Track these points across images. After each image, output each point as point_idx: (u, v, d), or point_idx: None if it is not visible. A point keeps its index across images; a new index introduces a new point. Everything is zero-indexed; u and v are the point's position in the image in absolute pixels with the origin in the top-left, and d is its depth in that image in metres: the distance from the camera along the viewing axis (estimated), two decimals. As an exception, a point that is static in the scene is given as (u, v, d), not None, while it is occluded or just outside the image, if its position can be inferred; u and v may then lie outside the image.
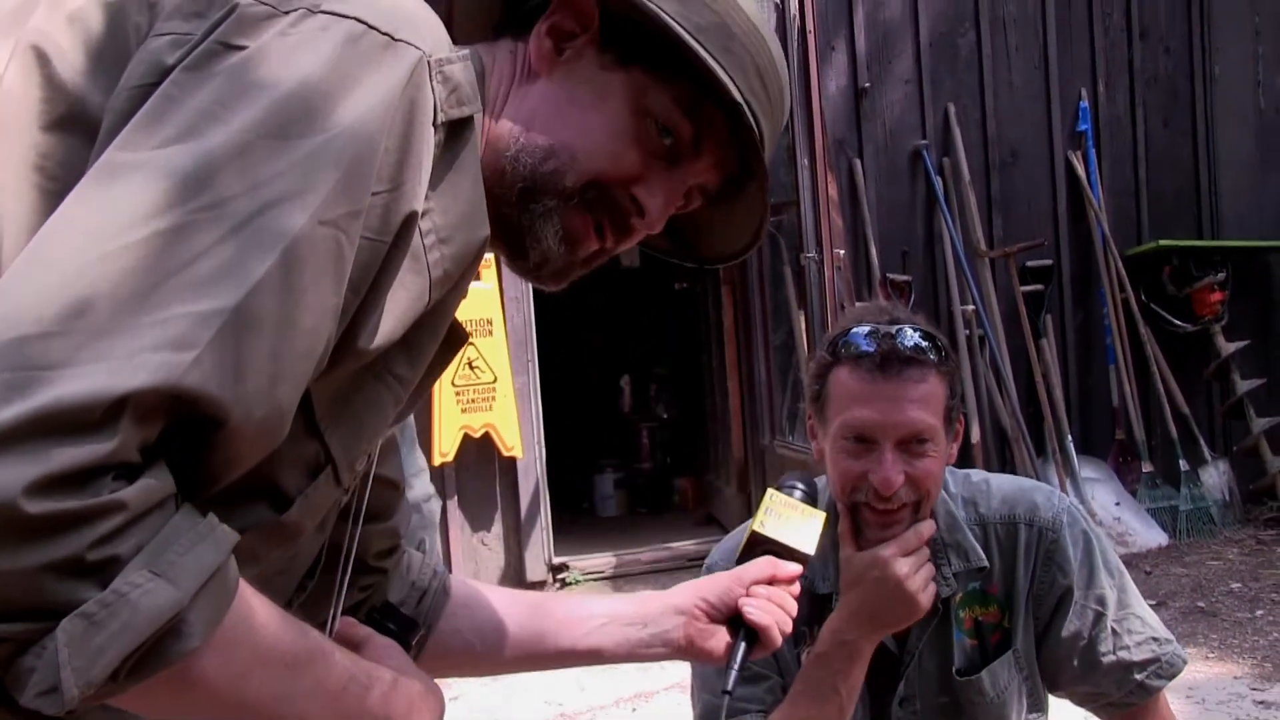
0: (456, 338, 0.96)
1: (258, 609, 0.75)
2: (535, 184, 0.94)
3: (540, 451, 5.33)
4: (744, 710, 1.62)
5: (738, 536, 1.73)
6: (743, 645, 1.21)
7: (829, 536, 1.65)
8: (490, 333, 4.97)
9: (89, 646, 0.63)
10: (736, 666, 1.20)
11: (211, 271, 0.68)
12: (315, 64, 0.75)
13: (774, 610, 1.22)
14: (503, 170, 0.94)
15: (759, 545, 1.28)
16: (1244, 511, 5.87)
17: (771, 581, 1.24)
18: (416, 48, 0.79)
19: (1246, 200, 6.24)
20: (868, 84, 5.71)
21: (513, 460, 5.20)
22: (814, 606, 1.65)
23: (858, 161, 5.65)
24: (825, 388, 1.59)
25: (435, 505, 2.20)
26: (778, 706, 1.60)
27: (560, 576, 5.41)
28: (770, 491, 1.31)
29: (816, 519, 1.30)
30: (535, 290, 5.23)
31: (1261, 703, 3.63)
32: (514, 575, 5.26)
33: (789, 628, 1.23)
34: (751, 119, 0.95)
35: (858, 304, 5.22)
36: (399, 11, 0.81)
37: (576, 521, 7.02)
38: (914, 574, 1.51)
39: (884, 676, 1.65)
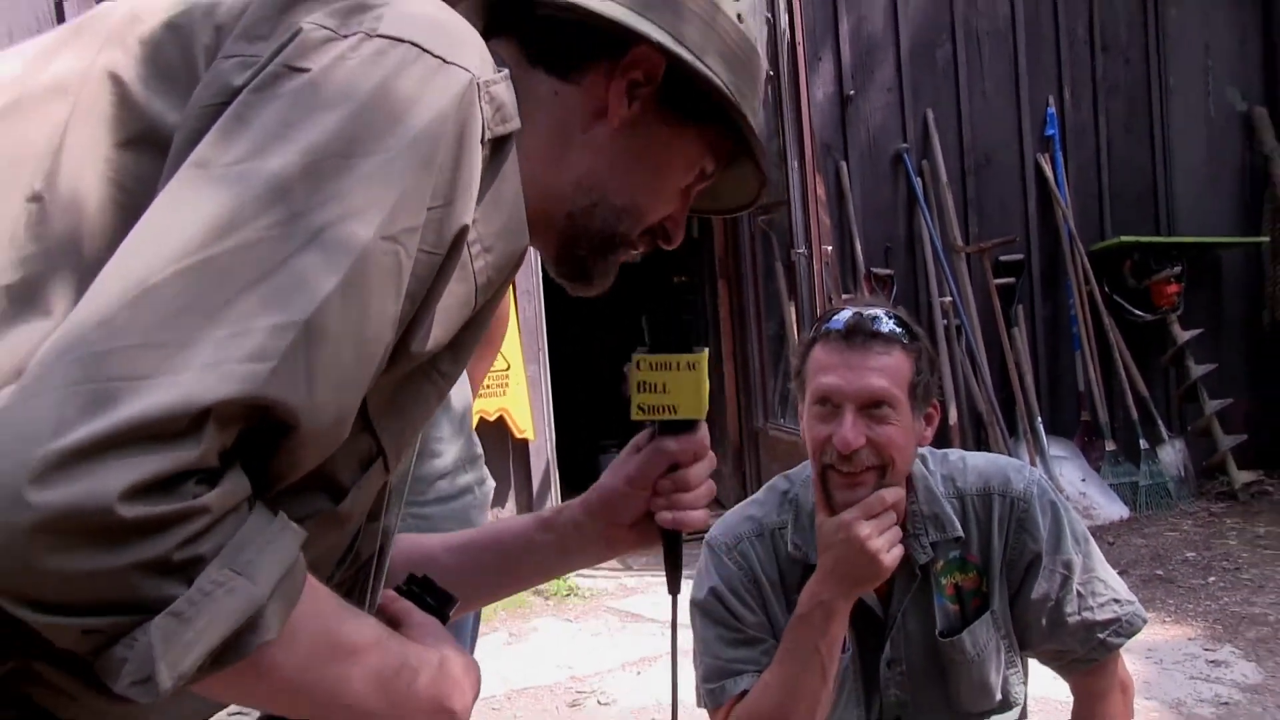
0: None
1: (321, 600, 0.75)
2: (613, 238, 0.96)
3: (550, 434, 5.32)
4: (741, 670, 1.64)
5: (743, 512, 1.76)
6: (672, 545, 1.08)
7: (802, 508, 1.65)
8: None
9: (180, 642, 0.63)
10: (676, 566, 1.09)
11: (284, 286, 0.67)
12: (374, 86, 0.74)
13: (685, 500, 1.07)
14: (577, 215, 0.95)
15: (647, 429, 1.08)
16: (1198, 486, 5.91)
17: (674, 467, 1.06)
18: (467, 70, 0.78)
19: (1199, 200, 6.26)
20: (852, 92, 5.71)
21: (525, 442, 5.19)
22: (805, 574, 1.64)
23: (843, 164, 5.66)
24: (805, 365, 1.61)
25: (489, 487, 2.21)
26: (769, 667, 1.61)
27: (569, 548, 5.41)
28: (634, 360, 1.06)
29: (692, 368, 1.04)
30: (545, 285, 5.24)
31: (1213, 662, 3.67)
32: (527, 547, 5.25)
33: (702, 505, 1.07)
34: (755, 132, 0.97)
35: (844, 296, 5.24)
36: (450, 35, 0.79)
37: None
38: (876, 535, 1.51)
39: (871, 639, 1.67)
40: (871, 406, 1.54)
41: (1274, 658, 3.68)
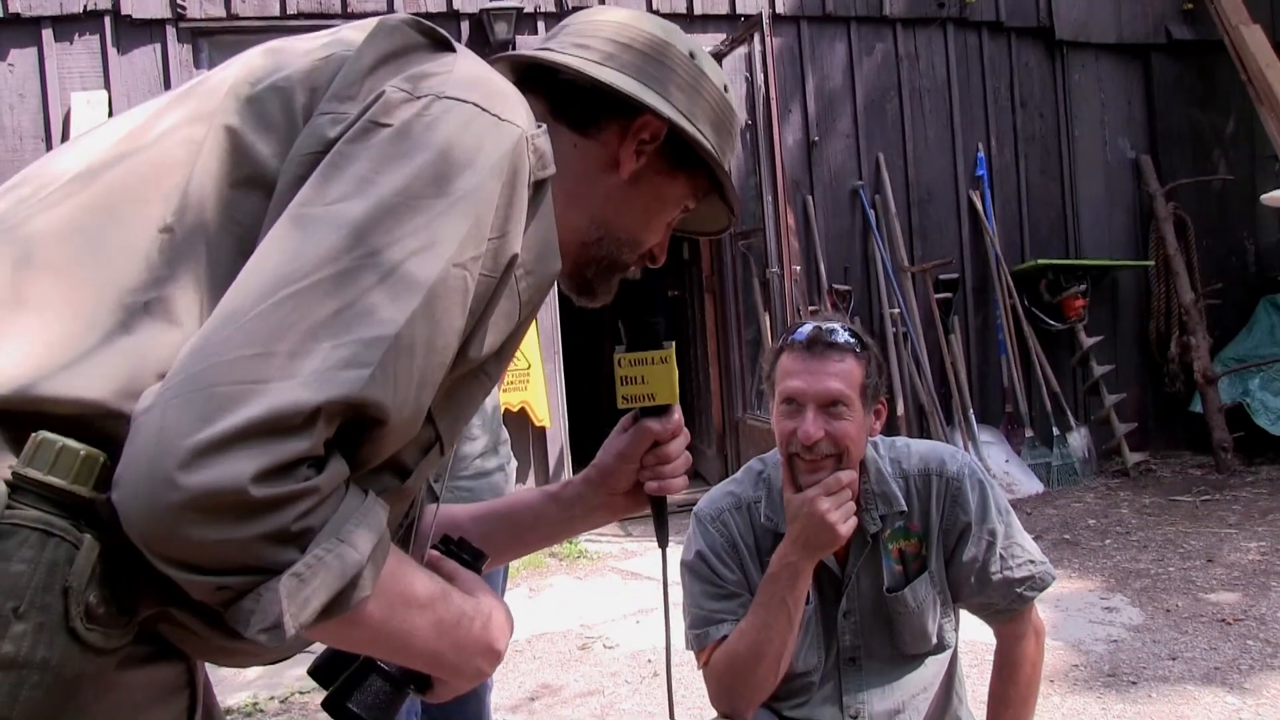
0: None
1: (399, 561, 0.76)
2: (616, 263, 0.99)
3: (564, 423, 5.33)
4: (720, 620, 1.64)
5: (725, 488, 1.77)
6: (660, 510, 1.09)
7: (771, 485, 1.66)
8: (527, 329, 4.98)
9: (300, 597, 0.65)
10: (663, 526, 1.10)
11: (375, 305, 0.69)
12: (445, 139, 0.75)
13: (666, 471, 1.07)
14: (587, 244, 0.97)
15: (631, 414, 1.08)
16: (1098, 466, 5.92)
17: (656, 444, 1.07)
18: (518, 126, 0.79)
19: (1100, 230, 6.29)
20: (817, 138, 5.72)
21: (543, 430, 5.20)
22: (775, 541, 1.65)
23: (810, 198, 5.66)
24: (774, 370, 1.62)
25: (514, 465, 2.24)
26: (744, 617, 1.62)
27: (580, 517, 5.40)
28: (615, 359, 1.06)
29: (664, 362, 1.05)
30: (561, 297, 5.24)
31: (1107, 608, 3.70)
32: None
33: (680, 473, 1.08)
34: (728, 179, 1.01)
35: (810, 309, 5.25)
36: (503, 97, 0.81)
37: None
38: (834, 509, 1.51)
39: (830, 594, 1.68)
40: (829, 405, 1.54)
41: (1154, 604, 3.70)
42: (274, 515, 0.64)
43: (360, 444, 0.71)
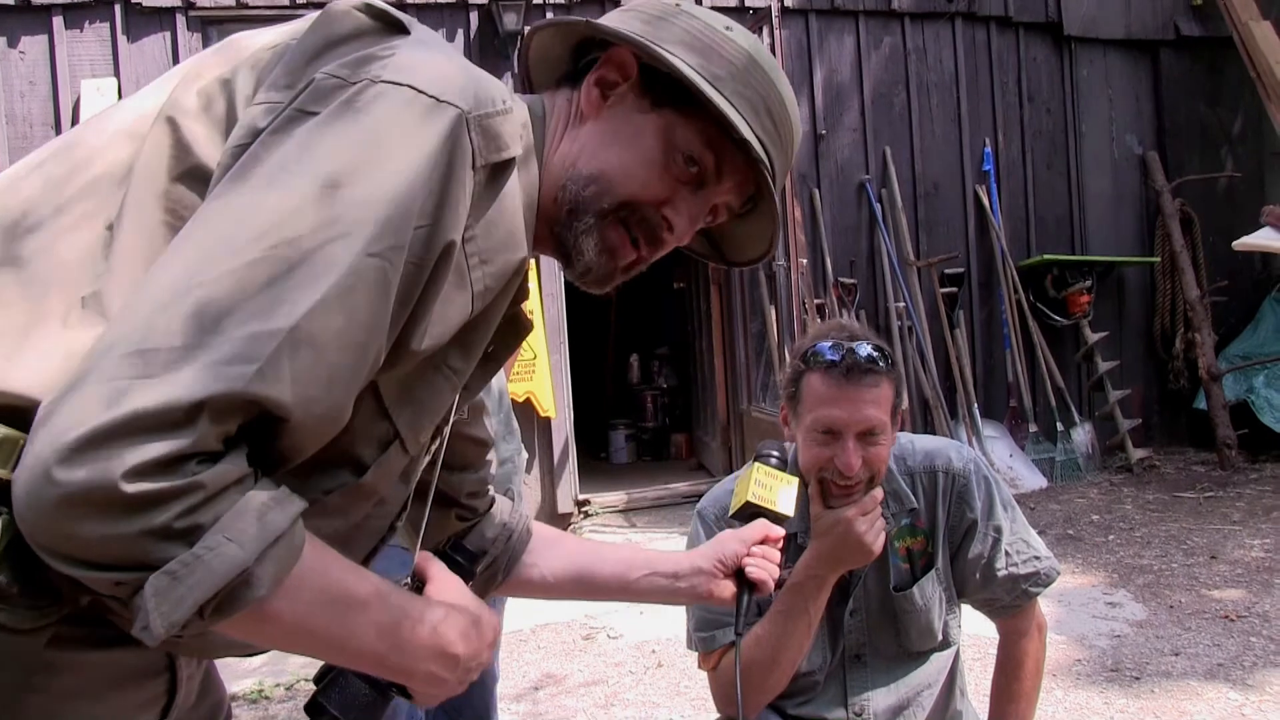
0: (521, 327, 0.92)
1: (324, 561, 0.73)
2: (578, 205, 0.89)
3: (569, 413, 5.33)
4: (729, 623, 1.56)
5: (726, 486, 1.73)
6: (747, 596, 1.21)
7: (803, 497, 1.67)
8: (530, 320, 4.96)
9: (172, 596, 0.63)
10: (744, 612, 1.21)
11: (273, 299, 0.66)
12: (371, 124, 0.72)
13: (768, 566, 1.19)
14: (555, 196, 0.90)
15: (751, 509, 1.25)
16: (1102, 461, 5.91)
17: (764, 541, 1.21)
18: (457, 107, 0.75)
19: (1106, 225, 6.26)
20: (824, 131, 5.70)
21: (548, 420, 5.19)
22: (784, 542, 1.65)
23: (816, 191, 5.65)
24: (799, 390, 1.56)
25: (524, 457, 2.24)
26: (759, 622, 1.60)
27: (584, 509, 5.40)
28: (756, 464, 1.26)
29: (792, 485, 1.27)
30: (566, 288, 5.24)
31: (1110, 603, 3.69)
32: (548, 508, 5.27)
33: (777, 576, 1.21)
34: (761, 150, 0.89)
35: (820, 323, 5.18)
36: (446, 77, 0.76)
37: (596, 467, 6.94)
38: (869, 530, 1.51)
39: (838, 594, 1.65)
40: (867, 434, 1.52)
41: (1157, 599, 3.70)
42: (152, 512, 0.62)
43: (275, 441, 0.69)
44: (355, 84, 0.74)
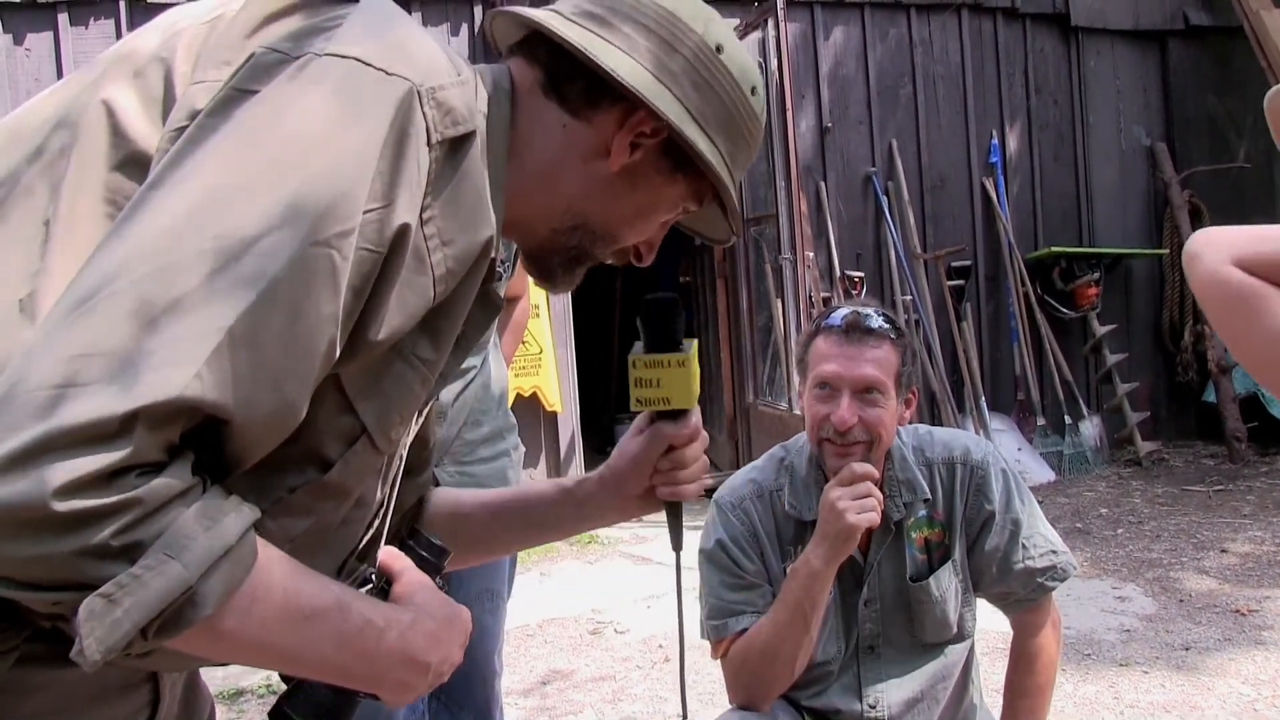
0: (491, 306, 0.87)
1: (279, 573, 0.69)
2: (585, 253, 0.89)
3: (575, 407, 5.31)
4: (740, 611, 1.62)
5: (744, 474, 1.74)
6: (676, 513, 1.05)
7: (811, 473, 1.66)
8: (538, 315, 4.94)
9: (108, 620, 0.59)
10: (679, 531, 1.06)
11: (209, 297, 0.62)
12: (315, 103, 0.67)
13: (681, 477, 1.01)
14: (558, 230, 0.87)
15: (645, 415, 1.03)
16: (1110, 455, 5.87)
17: (671, 450, 1.00)
18: (407, 79, 0.70)
19: (1113, 218, 6.23)
20: (830, 124, 5.67)
21: (554, 414, 5.17)
22: (798, 530, 1.63)
23: (823, 184, 5.62)
24: (808, 353, 1.59)
25: (521, 451, 2.22)
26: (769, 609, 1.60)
27: (591, 501, 5.40)
28: (630, 360, 0.99)
29: (681, 365, 0.97)
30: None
31: (1119, 598, 3.68)
32: (556, 499, 5.26)
33: (700, 476, 1.02)
34: (735, 194, 0.89)
35: (823, 295, 5.20)
36: (395, 48, 0.71)
37: (602, 462, 6.87)
38: (846, 498, 1.49)
39: (852, 582, 1.66)
40: (864, 391, 1.52)
41: (1166, 594, 3.68)
42: (86, 530, 0.58)
43: (222, 446, 0.66)
44: (297, 59, 0.69)
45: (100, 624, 0.59)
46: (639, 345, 0.99)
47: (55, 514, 0.57)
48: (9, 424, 0.58)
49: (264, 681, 3.25)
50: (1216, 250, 1.00)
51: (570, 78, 0.83)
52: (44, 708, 0.71)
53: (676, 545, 1.06)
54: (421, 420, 0.96)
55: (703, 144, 0.84)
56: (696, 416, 1.00)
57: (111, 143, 0.72)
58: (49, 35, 4.79)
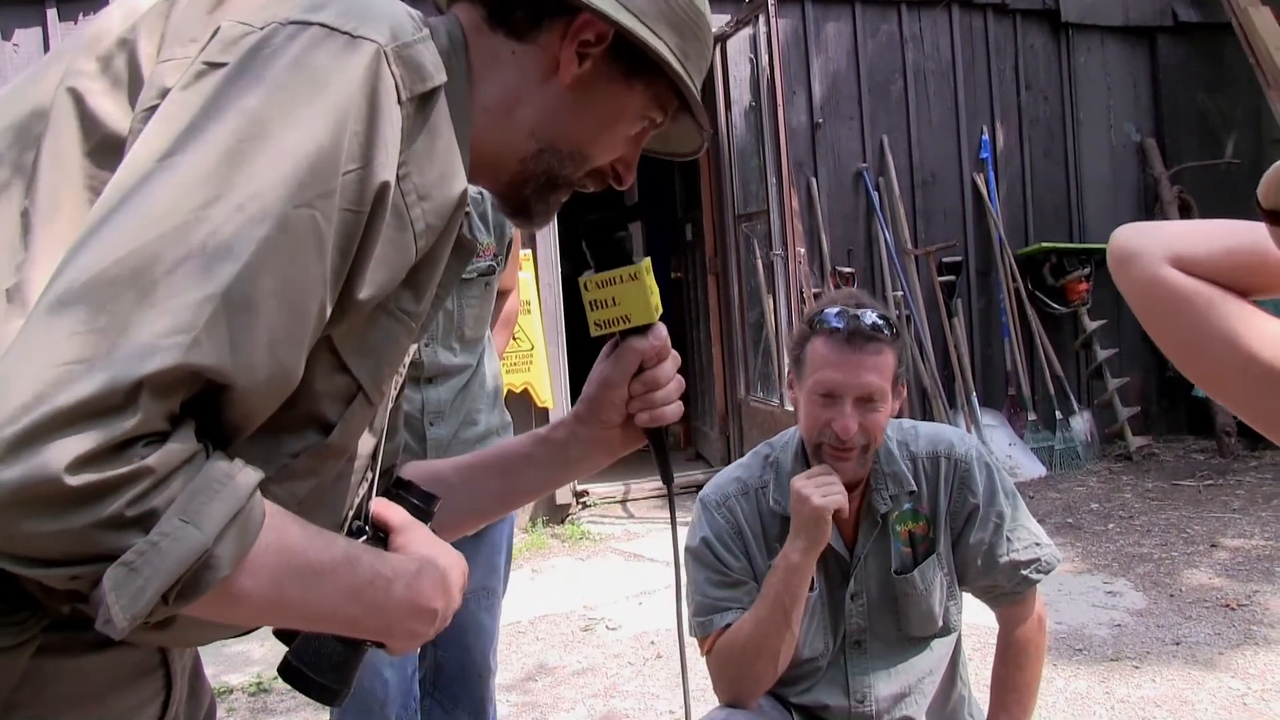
0: (466, 250, 0.87)
1: (288, 532, 0.70)
2: (556, 179, 0.88)
3: (567, 404, 5.24)
4: (726, 607, 1.62)
5: (730, 473, 1.74)
6: (658, 441, 1.01)
7: (797, 470, 1.65)
8: (529, 311, 4.92)
9: (131, 588, 0.61)
10: (666, 458, 1.02)
11: (201, 265, 0.63)
12: (283, 69, 0.68)
13: (657, 399, 0.97)
14: (525, 159, 0.87)
15: (608, 340, 0.98)
16: (1101, 450, 5.89)
17: (641, 369, 0.97)
18: (374, 41, 0.71)
19: (1104, 213, 6.21)
20: (821, 120, 5.67)
21: (546, 410, 5.13)
22: (783, 526, 1.63)
23: (814, 180, 5.61)
24: (804, 353, 1.58)
25: None
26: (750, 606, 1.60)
27: (582, 500, 5.37)
28: (581, 282, 0.94)
29: (634, 279, 0.93)
30: (564, 276, 5.21)
31: (1110, 592, 3.68)
32: (546, 500, 5.21)
33: (676, 397, 0.98)
34: (697, 92, 0.89)
35: (832, 291, 5.20)
36: (358, 10, 0.72)
37: None
38: (810, 486, 1.51)
39: (838, 577, 1.66)
40: (866, 399, 1.53)
41: (1157, 588, 3.68)
42: (101, 503, 0.60)
43: (222, 412, 0.67)
44: (263, 28, 0.70)
45: (124, 593, 0.60)
46: (589, 271, 0.95)
47: (69, 488, 0.58)
48: (15, 405, 0.59)
49: (253, 680, 3.24)
50: (1151, 250, 0.93)
51: (508, 3, 0.84)
52: (63, 696, 0.72)
53: (666, 477, 1.01)
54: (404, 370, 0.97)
55: (649, 37, 0.84)
56: (663, 330, 0.97)
57: (82, 129, 0.73)
58: (38, 31, 4.76)
